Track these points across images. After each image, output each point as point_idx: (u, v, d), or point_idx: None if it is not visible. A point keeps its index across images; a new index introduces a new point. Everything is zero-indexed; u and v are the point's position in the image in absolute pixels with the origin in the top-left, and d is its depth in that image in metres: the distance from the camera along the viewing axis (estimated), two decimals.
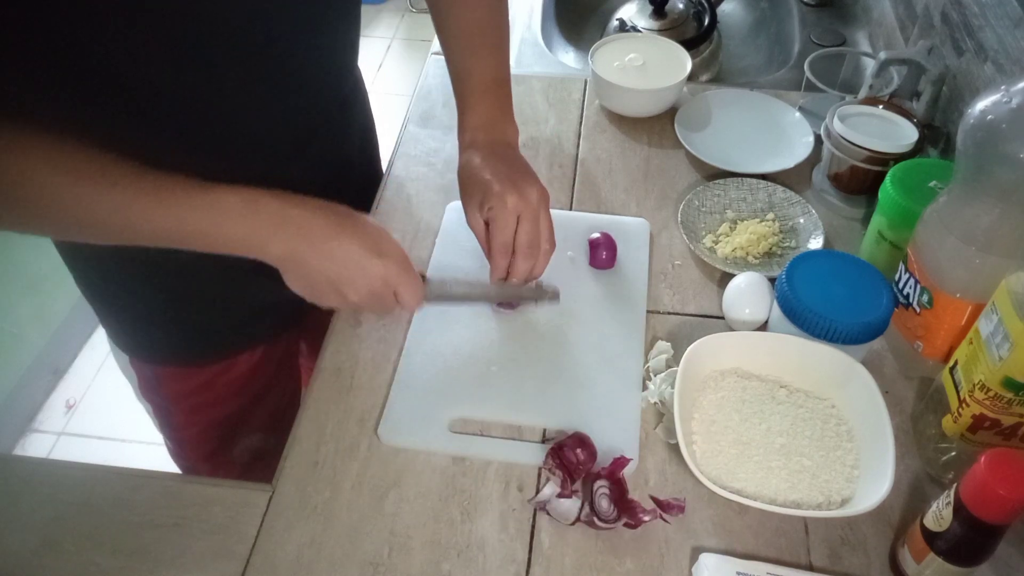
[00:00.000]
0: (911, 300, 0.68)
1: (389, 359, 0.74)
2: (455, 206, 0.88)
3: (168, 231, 0.58)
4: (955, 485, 0.52)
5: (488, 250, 0.70)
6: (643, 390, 0.70)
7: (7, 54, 0.53)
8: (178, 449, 0.96)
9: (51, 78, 0.56)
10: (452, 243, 0.84)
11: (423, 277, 0.67)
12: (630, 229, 0.84)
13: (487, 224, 0.69)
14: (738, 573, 0.57)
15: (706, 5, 1.19)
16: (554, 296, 0.73)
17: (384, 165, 0.97)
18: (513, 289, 0.72)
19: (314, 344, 0.75)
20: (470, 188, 0.71)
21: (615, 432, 0.67)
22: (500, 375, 0.71)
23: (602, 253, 0.80)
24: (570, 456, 0.63)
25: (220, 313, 0.83)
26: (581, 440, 0.64)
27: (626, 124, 1.00)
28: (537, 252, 0.69)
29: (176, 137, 0.62)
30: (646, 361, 0.73)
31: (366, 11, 3.10)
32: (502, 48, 0.78)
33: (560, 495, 0.62)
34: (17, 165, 0.53)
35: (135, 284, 0.79)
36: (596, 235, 0.81)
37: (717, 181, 0.89)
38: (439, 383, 0.71)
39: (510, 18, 0.92)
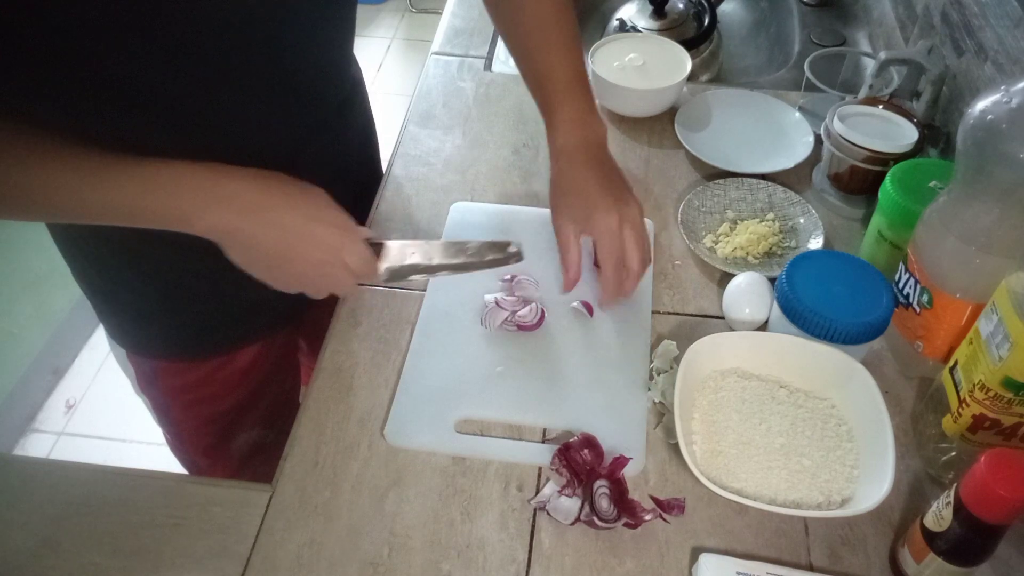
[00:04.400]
0: (911, 300, 0.68)
1: (389, 359, 0.74)
2: (460, 206, 0.88)
3: (98, 206, 0.58)
4: (955, 485, 0.52)
5: (569, 261, 0.70)
6: (648, 390, 0.70)
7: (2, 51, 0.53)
8: (177, 442, 0.96)
9: (47, 76, 0.55)
10: None
11: (382, 245, 0.65)
12: None
13: (573, 237, 0.70)
14: (738, 573, 0.57)
15: (706, 5, 1.19)
16: (519, 257, 0.70)
17: (384, 165, 0.97)
18: (478, 252, 0.69)
19: (312, 341, 0.75)
20: (570, 199, 0.71)
21: (621, 432, 0.67)
22: (506, 376, 0.71)
23: None
24: (577, 457, 0.63)
25: (217, 308, 0.83)
26: (589, 441, 0.64)
27: (626, 124, 1.00)
28: (644, 269, 0.70)
29: (171, 138, 0.62)
30: (652, 361, 0.73)
31: (366, 11, 3.10)
32: (577, 42, 0.76)
33: (561, 492, 0.62)
34: None
35: (132, 279, 0.79)
36: None
37: (717, 181, 0.89)
38: (445, 385, 0.71)
39: None
